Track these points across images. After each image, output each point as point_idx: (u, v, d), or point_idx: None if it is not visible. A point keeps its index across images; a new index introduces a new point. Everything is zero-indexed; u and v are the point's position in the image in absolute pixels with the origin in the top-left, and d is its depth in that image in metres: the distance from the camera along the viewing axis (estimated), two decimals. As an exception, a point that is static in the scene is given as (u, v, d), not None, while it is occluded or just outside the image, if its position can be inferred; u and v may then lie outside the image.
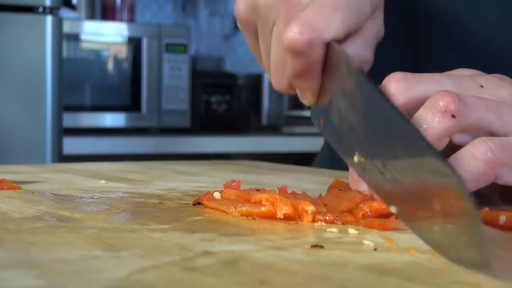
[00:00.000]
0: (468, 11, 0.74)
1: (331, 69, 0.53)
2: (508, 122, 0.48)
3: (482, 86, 0.50)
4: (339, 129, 0.51)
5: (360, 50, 0.53)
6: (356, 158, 0.48)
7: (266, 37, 0.57)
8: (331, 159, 0.91)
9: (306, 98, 0.55)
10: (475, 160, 0.46)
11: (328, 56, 0.53)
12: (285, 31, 0.52)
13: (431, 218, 0.40)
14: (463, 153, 0.46)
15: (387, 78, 0.50)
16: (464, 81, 0.50)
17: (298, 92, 0.56)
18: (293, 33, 0.51)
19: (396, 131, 0.44)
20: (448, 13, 0.74)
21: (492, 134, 0.48)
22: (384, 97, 0.47)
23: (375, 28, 0.54)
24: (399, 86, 0.49)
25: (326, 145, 0.94)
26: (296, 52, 0.52)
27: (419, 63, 0.77)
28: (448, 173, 0.38)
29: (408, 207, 0.43)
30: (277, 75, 0.56)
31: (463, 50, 0.74)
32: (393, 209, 0.44)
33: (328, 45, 0.52)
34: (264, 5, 0.56)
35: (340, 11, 0.53)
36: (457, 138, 0.48)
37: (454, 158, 0.46)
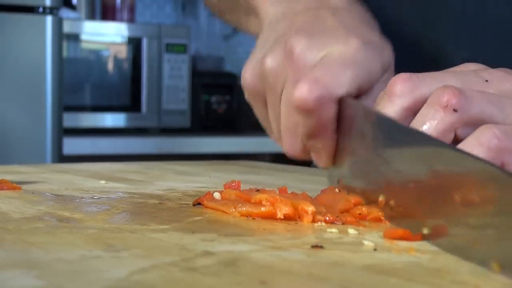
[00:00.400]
0: (475, 7, 0.74)
1: (346, 127, 0.52)
2: (511, 114, 0.48)
3: (487, 81, 0.50)
4: (361, 179, 0.51)
5: None
6: (381, 201, 0.48)
7: (275, 104, 0.57)
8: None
9: (322, 160, 0.55)
10: (481, 146, 0.45)
11: (342, 114, 0.52)
12: (293, 91, 0.52)
13: (464, 232, 0.39)
14: (469, 140, 0.46)
15: (391, 80, 0.50)
16: (469, 76, 0.50)
17: (313, 155, 0.56)
18: (302, 91, 0.51)
19: (422, 154, 0.43)
20: (455, 10, 0.74)
21: None
22: (406, 129, 0.47)
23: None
24: (404, 88, 0.49)
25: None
26: (307, 110, 0.51)
27: (434, 60, 0.76)
28: (496, 173, 0.37)
29: (446, 233, 0.42)
30: (289, 139, 0.56)
31: (473, 47, 0.74)
32: (425, 231, 0.43)
33: (341, 102, 0.52)
34: (272, 72, 0.56)
35: (351, 67, 0.53)
36: (462, 133, 0.48)
37: (460, 146, 0.46)
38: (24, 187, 0.65)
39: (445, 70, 0.52)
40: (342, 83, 0.52)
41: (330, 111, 0.52)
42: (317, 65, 0.53)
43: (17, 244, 0.41)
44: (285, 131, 0.56)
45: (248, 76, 0.59)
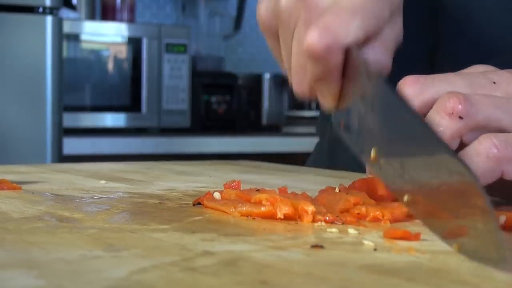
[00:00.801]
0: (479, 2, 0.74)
1: (352, 73, 0.53)
2: None
3: (495, 83, 0.50)
4: (358, 130, 0.51)
5: (379, 55, 0.53)
6: (373, 156, 0.48)
7: (287, 41, 0.57)
8: (329, 160, 0.91)
9: (327, 102, 0.55)
10: (479, 156, 0.46)
11: (349, 60, 0.53)
12: (304, 36, 0.52)
13: (445, 214, 0.40)
14: (468, 149, 0.47)
15: (400, 82, 0.51)
16: (477, 78, 0.51)
17: (318, 96, 0.56)
18: (312, 38, 0.51)
19: (413, 131, 0.44)
20: (460, 5, 0.74)
21: (502, 131, 0.48)
22: (402, 100, 0.47)
23: (393, 33, 0.54)
24: (412, 90, 0.50)
25: (322, 146, 0.94)
26: (315, 57, 0.52)
27: (435, 50, 0.77)
28: (462, 170, 0.38)
29: (422, 203, 0.43)
30: (297, 79, 0.56)
31: (476, 39, 0.74)
32: (405, 198, 0.44)
33: (348, 50, 0.52)
34: (285, 10, 0.56)
35: (359, 15, 0.53)
36: (467, 138, 0.48)
37: (461, 155, 0.46)
38: (24, 187, 0.65)
39: (454, 72, 0.53)
40: (350, 30, 0.52)
41: (337, 59, 0.52)
42: (328, 10, 0.53)
43: (17, 244, 0.41)
44: (294, 70, 0.57)
45: (262, 11, 0.59)
